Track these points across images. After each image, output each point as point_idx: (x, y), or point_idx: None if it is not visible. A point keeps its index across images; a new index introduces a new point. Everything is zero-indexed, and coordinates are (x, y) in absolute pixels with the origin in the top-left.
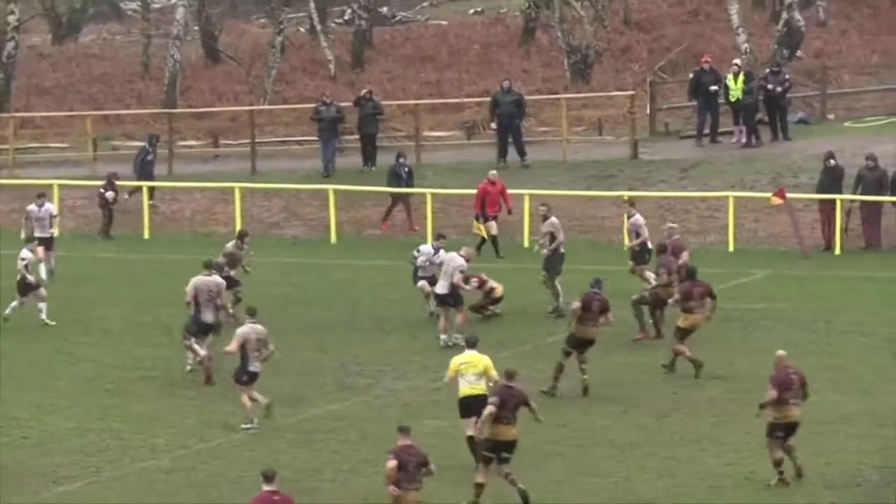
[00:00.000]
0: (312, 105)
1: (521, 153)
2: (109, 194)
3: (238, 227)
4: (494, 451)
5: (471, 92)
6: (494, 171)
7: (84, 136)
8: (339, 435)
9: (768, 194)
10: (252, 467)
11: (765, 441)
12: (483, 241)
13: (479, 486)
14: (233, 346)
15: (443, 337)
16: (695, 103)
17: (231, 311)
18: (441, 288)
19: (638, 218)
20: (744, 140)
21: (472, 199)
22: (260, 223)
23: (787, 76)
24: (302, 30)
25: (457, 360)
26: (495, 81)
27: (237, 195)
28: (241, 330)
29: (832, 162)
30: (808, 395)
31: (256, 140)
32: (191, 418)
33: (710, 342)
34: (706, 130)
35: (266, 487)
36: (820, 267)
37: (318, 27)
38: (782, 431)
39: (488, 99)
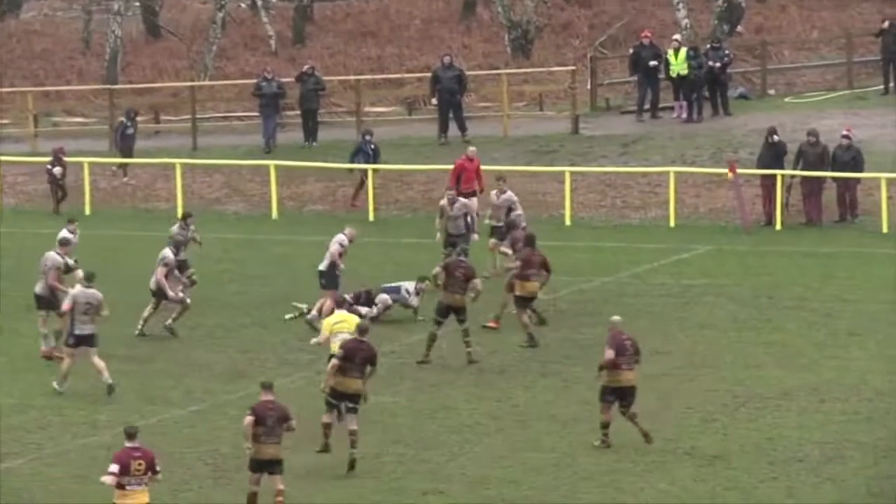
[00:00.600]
0: (254, 81)
1: (462, 128)
2: (57, 170)
3: (180, 203)
4: (338, 400)
5: (412, 67)
6: (473, 148)
7: (25, 112)
8: None
9: (709, 170)
10: (193, 444)
11: (701, 414)
12: None
13: (327, 426)
14: (65, 305)
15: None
16: (635, 79)
17: (181, 295)
18: (321, 265)
19: (511, 195)
20: (684, 115)
21: (412, 175)
22: (201, 199)
23: (727, 51)
24: (243, 5)
25: (331, 320)
26: (436, 57)
27: (178, 171)
28: (72, 292)
29: (775, 138)
30: (639, 361)
31: (197, 116)
32: (131, 395)
33: (651, 318)
34: (646, 106)
35: (128, 444)
36: (761, 242)
37: (259, 3)
38: (612, 395)
39: (429, 74)
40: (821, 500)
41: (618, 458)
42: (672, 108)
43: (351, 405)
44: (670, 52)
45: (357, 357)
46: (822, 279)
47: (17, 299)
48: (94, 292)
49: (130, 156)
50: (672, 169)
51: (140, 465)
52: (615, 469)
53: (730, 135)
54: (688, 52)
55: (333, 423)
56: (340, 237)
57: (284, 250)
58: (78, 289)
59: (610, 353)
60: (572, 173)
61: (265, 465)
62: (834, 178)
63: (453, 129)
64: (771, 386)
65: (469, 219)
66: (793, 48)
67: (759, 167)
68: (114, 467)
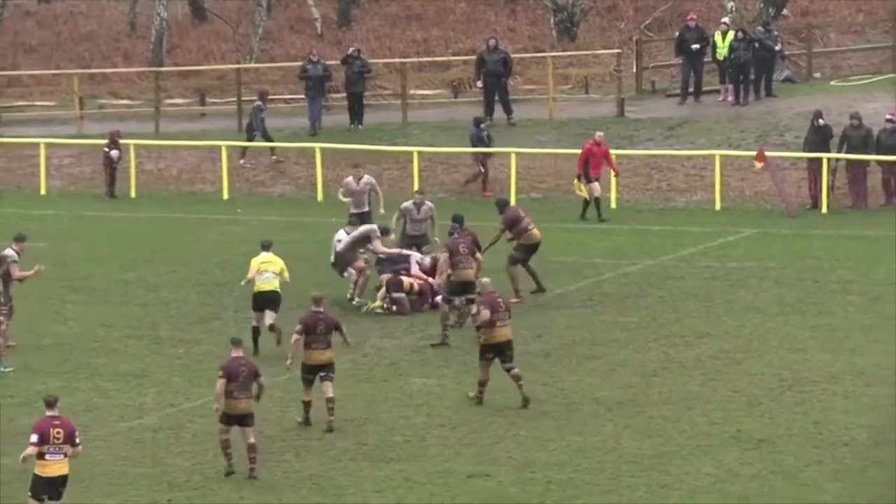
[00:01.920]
0: (299, 63)
1: (508, 111)
2: (114, 153)
3: (225, 185)
4: (312, 374)
5: (457, 50)
6: (601, 133)
7: (71, 94)
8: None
9: (754, 153)
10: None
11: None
12: (587, 202)
13: (306, 404)
14: None
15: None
16: (680, 61)
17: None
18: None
19: (370, 178)
20: (731, 98)
21: (458, 157)
22: (247, 181)
23: (776, 33)
24: None
25: (257, 260)
26: (481, 40)
27: (224, 154)
28: None
29: (820, 121)
30: (510, 317)
31: (243, 98)
32: (178, 377)
33: (696, 301)
34: (691, 89)
35: (48, 413)
36: (807, 226)
37: None
38: (491, 352)
39: (475, 57)
40: (867, 483)
41: (663, 442)
42: (718, 92)
43: (324, 374)
44: (717, 34)
45: (318, 328)
46: (868, 263)
47: (62, 282)
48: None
49: (269, 138)
50: (717, 152)
51: (59, 433)
52: (661, 452)
53: (775, 118)
54: (735, 34)
55: (312, 400)
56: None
57: (330, 233)
58: None
59: (486, 314)
60: (618, 156)
61: (237, 419)
62: (878, 162)
63: (499, 111)
64: (817, 369)
65: (432, 222)
66: (839, 31)
67: (805, 150)
68: (34, 437)
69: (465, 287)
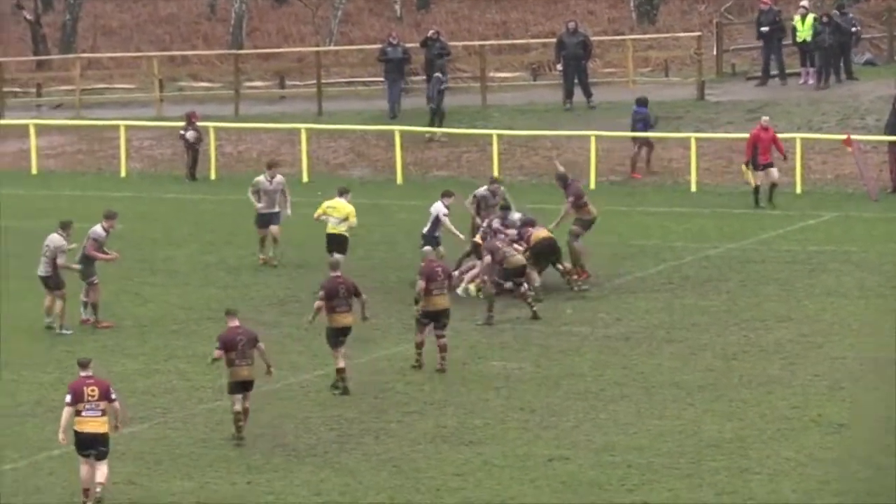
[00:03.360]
0: (378, 46)
1: (587, 94)
2: (190, 134)
3: (304, 168)
4: (338, 336)
5: (536, 33)
6: (766, 117)
7: (150, 76)
8: (405, 376)
9: (835, 136)
10: (318, 408)
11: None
12: (757, 189)
13: (341, 371)
14: None
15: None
16: (760, 44)
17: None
18: (424, 229)
19: (281, 178)
20: (811, 81)
21: (537, 140)
22: (326, 164)
23: (851, 16)
24: None
25: (325, 204)
26: (561, 22)
27: (303, 136)
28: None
29: None
30: (450, 286)
31: (323, 81)
32: (258, 358)
33: (777, 284)
34: (773, 72)
35: (82, 373)
36: (888, 209)
37: None
38: (427, 318)
39: (554, 40)
40: None
41: (743, 426)
42: (799, 75)
43: (342, 339)
44: (797, 18)
45: (339, 292)
46: None
47: (141, 264)
48: (53, 237)
49: (441, 112)
50: (798, 135)
51: (93, 391)
52: (740, 437)
53: (857, 101)
54: (819, 18)
55: (343, 364)
56: (440, 205)
57: (409, 216)
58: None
59: (421, 284)
60: (698, 139)
61: (242, 386)
62: None
63: (578, 94)
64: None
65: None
66: None
67: (886, 134)
68: (67, 397)
69: (518, 272)
